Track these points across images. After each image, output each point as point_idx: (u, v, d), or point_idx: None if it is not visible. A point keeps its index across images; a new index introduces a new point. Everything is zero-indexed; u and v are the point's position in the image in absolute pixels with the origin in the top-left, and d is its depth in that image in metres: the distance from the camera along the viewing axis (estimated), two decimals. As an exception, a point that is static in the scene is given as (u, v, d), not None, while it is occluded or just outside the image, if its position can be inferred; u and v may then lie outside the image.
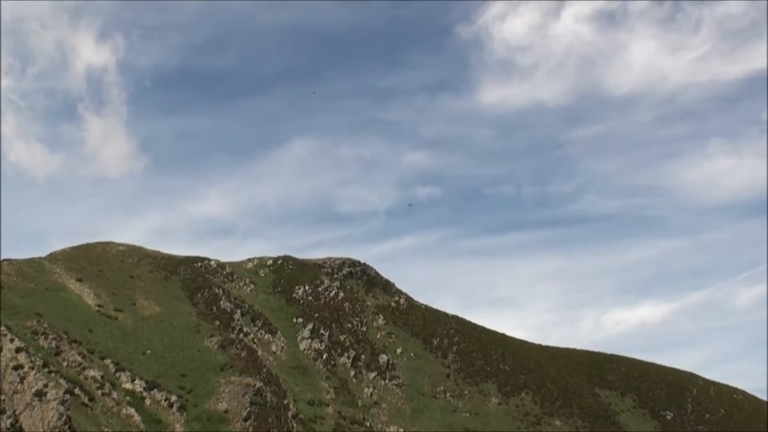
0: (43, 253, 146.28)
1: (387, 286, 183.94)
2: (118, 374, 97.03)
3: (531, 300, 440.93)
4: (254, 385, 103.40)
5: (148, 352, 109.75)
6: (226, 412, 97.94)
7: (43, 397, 73.10)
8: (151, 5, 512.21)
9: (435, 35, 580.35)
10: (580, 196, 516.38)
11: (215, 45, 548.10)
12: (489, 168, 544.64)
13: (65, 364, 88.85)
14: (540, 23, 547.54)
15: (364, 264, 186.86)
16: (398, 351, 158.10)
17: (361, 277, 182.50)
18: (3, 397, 74.01)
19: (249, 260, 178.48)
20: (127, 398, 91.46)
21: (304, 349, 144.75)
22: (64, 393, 75.11)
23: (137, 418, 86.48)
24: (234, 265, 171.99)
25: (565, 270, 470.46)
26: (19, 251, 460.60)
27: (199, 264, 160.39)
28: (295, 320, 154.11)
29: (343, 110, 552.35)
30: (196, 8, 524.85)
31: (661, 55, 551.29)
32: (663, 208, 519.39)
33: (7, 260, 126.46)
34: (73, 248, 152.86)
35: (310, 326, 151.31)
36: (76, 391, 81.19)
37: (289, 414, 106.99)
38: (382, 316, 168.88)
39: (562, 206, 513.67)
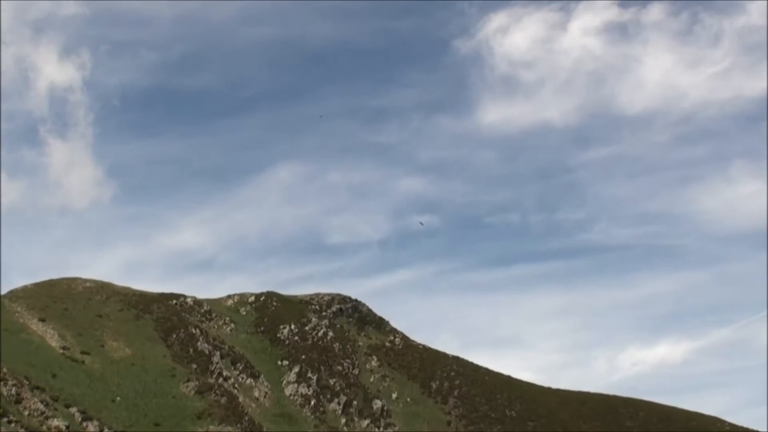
0: (3, 291, 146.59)
1: (381, 325, 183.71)
2: (84, 424, 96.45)
3: (538, 339, 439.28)
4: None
5: (118, 399, 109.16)
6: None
7: (3, 450, 72.83)
8: (121, 19, 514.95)
9: (431, 50, 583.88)
10: (591, 224, 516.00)
11: (192, 62, 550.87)
12: (491, 194, 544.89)
13: (27, 413, 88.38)
14: (545, 36, 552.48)
15: (356, 300, 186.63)
16: (394, 396, 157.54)
17: (353, 315, 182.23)
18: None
19: (229, 297, 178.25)
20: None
21: (290, 395, 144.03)
22: (26, 445, 74.70)
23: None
24: (212, 302, 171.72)
25: (576, 306, 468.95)
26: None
27: (174, 301, 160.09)
28: (279, 363, 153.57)
29: (331, 132, 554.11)
30: (170, 23, 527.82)
31: (677, 70, 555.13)
32: (681, 237, 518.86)
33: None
34: (36, 285, 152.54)
35: (296, 369, 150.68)
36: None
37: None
38: (375, 358, 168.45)
39: (571, 235, 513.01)
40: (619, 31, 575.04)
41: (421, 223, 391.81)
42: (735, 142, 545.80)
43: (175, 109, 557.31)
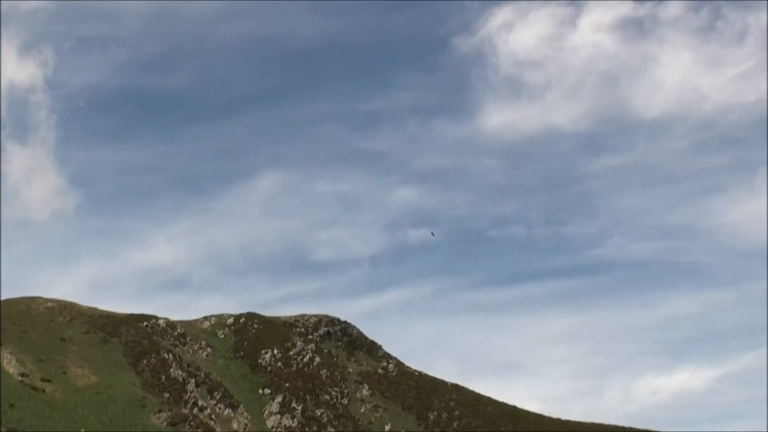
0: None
1: (372, 349, 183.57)
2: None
3: (546, 365, 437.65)
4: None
5: (83, 431, 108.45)
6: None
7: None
8: (88, 13, 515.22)
9: (428, 49, 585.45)
10: (604, 239, 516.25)
11: (166, 61, 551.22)
12: (494, 206, 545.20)
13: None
14: (553, 34, 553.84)
15: (345, 322, 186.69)
16: (387, 428, 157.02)
17: (342, 339, 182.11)
18: None
19: (205, 318, 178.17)
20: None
21: (273, 427, 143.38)
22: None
23: None
24: (187, 324, 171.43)
25: (587, 329, 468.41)
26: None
27: (145, 323, 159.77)
28: (261, 391, 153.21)
29: (319, 138, 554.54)
30: (143, 17, 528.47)
31: (697, 70, 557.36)
32: (703, 252, 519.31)
33: None
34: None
35: (279, 398, 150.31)
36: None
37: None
38: (366, 386, 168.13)
39: (581, 251, 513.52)
40: (634, 28, 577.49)
41: (433, 234, 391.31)
42: (761, 150, 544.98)
43: (147, 112, 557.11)
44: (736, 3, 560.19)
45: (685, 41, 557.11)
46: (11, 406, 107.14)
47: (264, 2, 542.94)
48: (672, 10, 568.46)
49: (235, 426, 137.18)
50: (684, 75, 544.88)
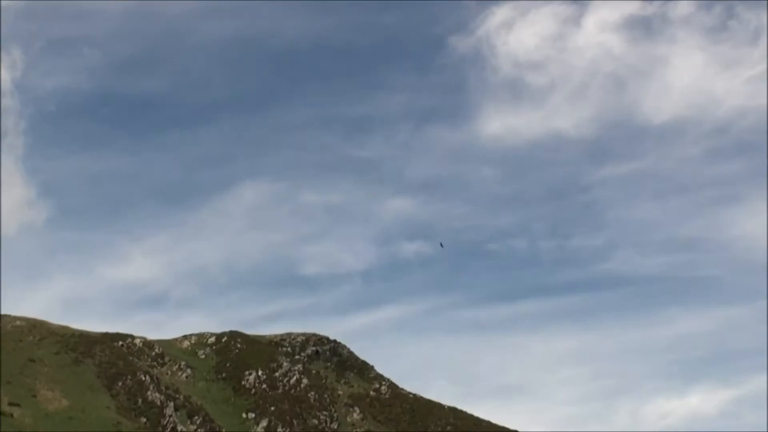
0: None
1: (364, 370, 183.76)
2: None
3: (550, 387, 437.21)
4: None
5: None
6: None
7: None
8: (60, 12, 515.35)
9: (423, 49, 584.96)
10: (611, 252, 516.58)
11: (142, 63, 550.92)
12: (494, 217, 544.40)
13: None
14: (556, 33, 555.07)
15: (335, 341, 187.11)
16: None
17: (331, 359, 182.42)
18: None
19: (185, 338, 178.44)
20: None
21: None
22: None
23: None
24: (166, 344, 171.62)
25: (594, 348, 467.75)
26: None
27: (120, 343, 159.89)
28: (245, 415, 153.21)
29: (306, 145, 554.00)
30: (118, 17, 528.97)
31: (710, 72, 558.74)
32: (717, 266, 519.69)
33: None
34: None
35: (264, 423, 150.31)
36: None
37: None
38: (358, 409, 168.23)
39: (587, 265, 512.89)
40: (642, 28, 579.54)
41: (442, 245, 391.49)
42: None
43: (122, 118, 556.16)
44: (750, 2, 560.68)
45: (697, 41, 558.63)
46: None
47: (247, 1, 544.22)
48: (682, 8, 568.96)
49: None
50: (695, 77, 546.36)
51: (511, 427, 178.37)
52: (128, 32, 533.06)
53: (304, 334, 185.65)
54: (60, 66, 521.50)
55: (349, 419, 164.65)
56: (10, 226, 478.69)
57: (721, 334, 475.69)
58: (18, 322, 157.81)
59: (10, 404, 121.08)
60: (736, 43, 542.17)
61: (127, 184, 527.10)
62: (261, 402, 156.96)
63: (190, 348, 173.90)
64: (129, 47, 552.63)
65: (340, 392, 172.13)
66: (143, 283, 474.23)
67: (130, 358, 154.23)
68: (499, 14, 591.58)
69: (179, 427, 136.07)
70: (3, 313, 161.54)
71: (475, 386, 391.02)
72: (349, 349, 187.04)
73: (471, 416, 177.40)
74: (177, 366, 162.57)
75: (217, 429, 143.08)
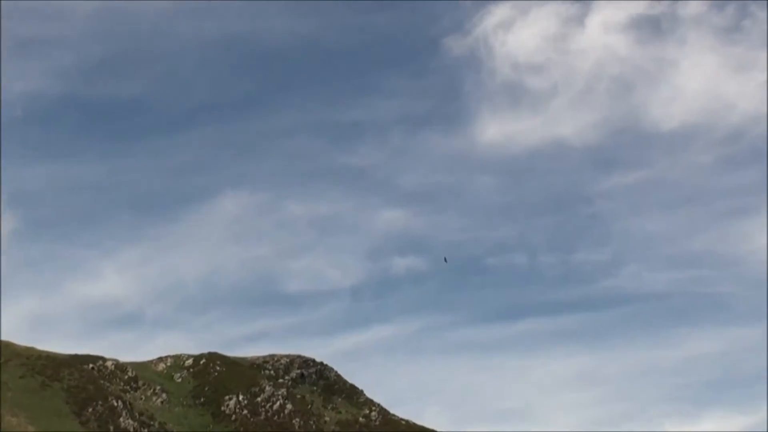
0: None
1: (353, 394, 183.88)
2: None
3: (552, 412, 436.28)
4: None
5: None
6: None
7: None
8: (27, 11, 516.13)
9: (416, 51, 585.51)
10: (617, 267, 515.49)
11: (116, 65, 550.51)
12: (491, 230, 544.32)
13: None
14: (558, 34, 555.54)
15: (321, 364, 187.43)
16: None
17: (317, 382, 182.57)
18: None
19: (160, 360, 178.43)
20: None
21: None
22: None
23: None
24: (139, 366, 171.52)
25: (599, 371, 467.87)
26: None
27: (91, 366, 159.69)
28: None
29: (291, 153, 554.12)
30: (91, 16, 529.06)
31: (722, 75, 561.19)
32: (730, 283, 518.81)
33: None
34: None
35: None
36: None
37: None
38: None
39: (592, 282, 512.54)
40: (649, 28, 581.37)
41: (446, 260, 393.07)
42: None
43: (94, 123, 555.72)
44: (765, 1, 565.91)
45: (708, 43, 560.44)
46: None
47: (228, 0, 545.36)
48: (693, 7, 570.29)
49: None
50: (707, 80, 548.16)
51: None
52: (101, 32, 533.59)
53: (288, 356, 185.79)
54: (27, 68, 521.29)
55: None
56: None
57: (736, 355, 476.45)
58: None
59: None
60: (751, 44, 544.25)
61: (99, 194, 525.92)
62: (242, 429, 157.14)
63: (165, 371, 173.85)
64: (102, 48, 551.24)
65: (326, 418, 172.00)
66: (116, 300, 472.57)
67: (101, 381, 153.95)
68: (497, 14, 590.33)
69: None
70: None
71: (471, 411, 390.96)
72: (336, 372, 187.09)
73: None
74: (152, 390, 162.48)
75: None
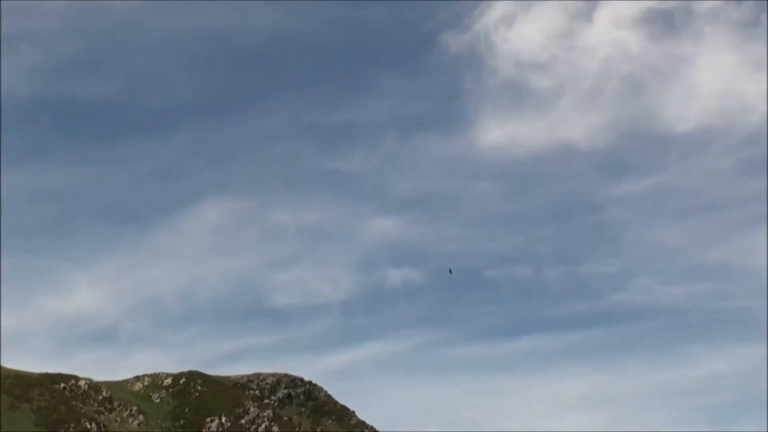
0: None
1: (344, 416, 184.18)
2: None
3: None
4: None
5: None
6: None
7: None
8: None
9: (412, 48, 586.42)
10: (628, 280, 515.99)
11: (89, 64, 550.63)
12: (493, 240, 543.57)
13: None
14: (564, 30, 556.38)
15: (310, 383, 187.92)
16: None
17: (306, 403, 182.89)
18: None
19: (137, 379, 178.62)
20: None
21: None
22: None
23: None
24: (115, 386, 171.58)
25: (608, 391, 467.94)
26: None
27: (63, 385, 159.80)
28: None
29: (277, 157, 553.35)
30: (61, 12, 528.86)
31: (740, 74, 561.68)
32: (749, 297, 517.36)
33: None
34: None
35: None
36: None
37: None
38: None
39: (601, 296, 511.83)
40: (663, 23, 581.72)
41: (451, 271, 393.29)
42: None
43: (65, 126, 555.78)
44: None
45: (726, 39, 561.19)
46: None
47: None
48: (709, 1, 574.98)
49: None
50: (724, 80, 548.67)
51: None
52: (72, 29, 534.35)
53: (274, 375, 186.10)
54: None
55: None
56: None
57: (756, 374, 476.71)
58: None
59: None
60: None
61: (71, 202, 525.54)
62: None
63: (142, 391, 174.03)
64: (74, 46, 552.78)
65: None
66: (89, 315, 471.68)
67: (74, 402, 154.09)
68: (498, 8, 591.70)
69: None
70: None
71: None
72: (326, 391, 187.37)
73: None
74: (128, 411, 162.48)
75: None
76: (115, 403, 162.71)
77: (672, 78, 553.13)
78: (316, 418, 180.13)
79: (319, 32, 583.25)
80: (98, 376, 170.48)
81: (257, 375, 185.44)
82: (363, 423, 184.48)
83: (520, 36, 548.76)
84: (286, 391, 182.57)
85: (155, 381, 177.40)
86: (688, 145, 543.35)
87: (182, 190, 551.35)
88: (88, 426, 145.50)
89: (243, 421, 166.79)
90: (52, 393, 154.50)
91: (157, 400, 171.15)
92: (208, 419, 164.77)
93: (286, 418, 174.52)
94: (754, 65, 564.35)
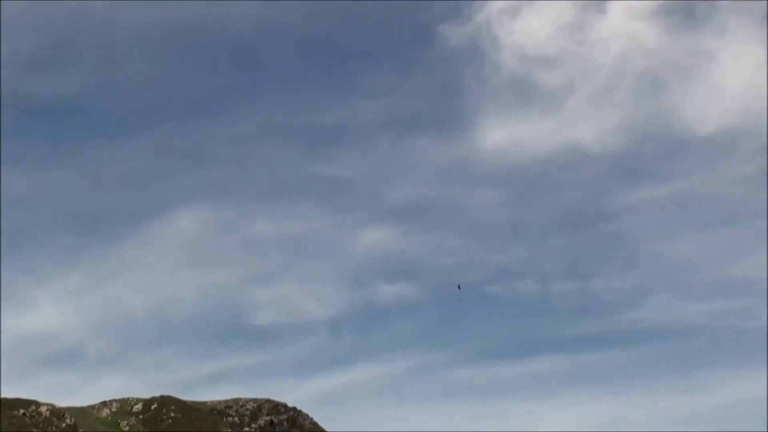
0: None
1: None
2: None
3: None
4: None
5: None
6: None
7: None
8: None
9: (407, 41, 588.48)
10: (644, 297, 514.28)
11: (52, 58, 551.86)
12: (495, 252, 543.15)
13: None
14: (574, 22, 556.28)
15: (294, 409, 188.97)
16: None
17: (290, 431, 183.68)
18: None
19: (104, 404, 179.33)
20: None
21: None
22: None
23: None
24: (79, 412, 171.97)
25: (622, 419, 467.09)
26: None
27: (23, 411, 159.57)
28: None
29: (258, 161, 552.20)
30: (22, 2, 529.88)
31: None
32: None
33: None
34: None
35: None
36: None
37: None
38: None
39: (613, 314, 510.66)
40: (682, 14, 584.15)
41: (459, 287, 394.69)
42: None
43: (26, 126, 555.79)
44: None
45: (752, 31, 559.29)
46: None
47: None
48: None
49: None
50: (750, 77, 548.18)
51: None
52: (33, 20, 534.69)
53: (255, 400, 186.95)
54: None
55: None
56: None
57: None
58: None
59: None
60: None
61: (31, 211, 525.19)
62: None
63: (110, 417, 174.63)
64: (34, 40, 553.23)
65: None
66: (52, 334, 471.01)
67: (35, 430, 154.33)
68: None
69: None
70: None
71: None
72: (312, 419, 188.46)
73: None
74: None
75: None
76: (80, 431, 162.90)
77: (693, 75, 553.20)
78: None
79: (305, 25, 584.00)
80: (61, 402, 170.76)
81: (236, 400, 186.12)
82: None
83: (525, 28, 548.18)
84: (268, 417, 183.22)
85: (124, 407, 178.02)
86: (710, 148, 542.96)
87: (154, 197, 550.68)
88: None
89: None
90: (10, 420, 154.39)
91: (126, 428, 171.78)
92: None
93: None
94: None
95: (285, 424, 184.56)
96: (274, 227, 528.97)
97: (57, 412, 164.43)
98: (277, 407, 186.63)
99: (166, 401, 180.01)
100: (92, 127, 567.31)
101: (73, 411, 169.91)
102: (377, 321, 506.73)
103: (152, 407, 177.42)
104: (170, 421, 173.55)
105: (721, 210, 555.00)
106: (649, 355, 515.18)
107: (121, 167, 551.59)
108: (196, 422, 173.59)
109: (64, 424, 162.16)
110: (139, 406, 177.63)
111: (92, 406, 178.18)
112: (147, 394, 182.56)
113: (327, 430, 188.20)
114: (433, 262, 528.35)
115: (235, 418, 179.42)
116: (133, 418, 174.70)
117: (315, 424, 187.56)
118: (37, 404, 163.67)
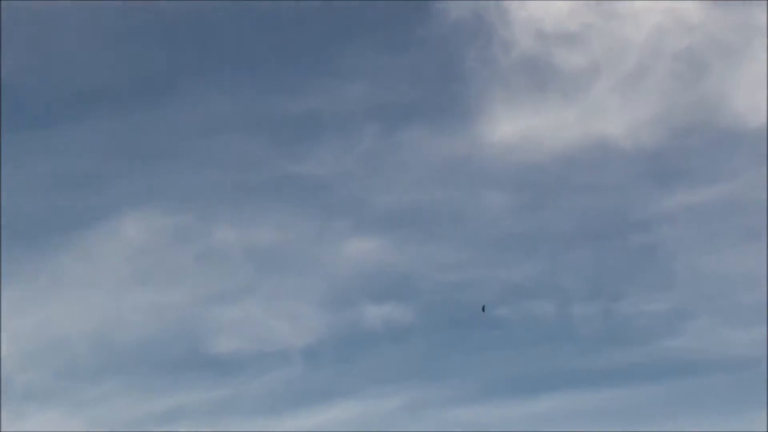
0: None
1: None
2: None
3: None
4: None
5: None
6: None
7: None
8: None
9: (398, 15, 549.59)
10: (683, 322, 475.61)
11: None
12: (504, 267, 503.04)
13: None
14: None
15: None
16: None
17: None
18: None
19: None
20: None
21: None
22: None
23: None
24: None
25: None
26: None
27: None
28: None
29: (219, 158, 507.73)
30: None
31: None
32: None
33: None
34: None
35: None
36: None
37: None
38: None
39: (647, 342, 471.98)
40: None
41: (484, 309, 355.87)
42: None
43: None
44: None
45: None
46: None
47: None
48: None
49: None
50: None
51: None
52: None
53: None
54: None
55: None
56: None
57: None
58: None
59: None
60: None
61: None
62: None
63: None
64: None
65: None
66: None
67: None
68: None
69: None
70: None
71: None
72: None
73: None
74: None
75: None
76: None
77: (742, 56, 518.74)
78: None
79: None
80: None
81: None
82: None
83: (541, 2, 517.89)
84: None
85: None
86: (763, 143, 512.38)
87: (96, 200, 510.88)
88: None
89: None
90: None
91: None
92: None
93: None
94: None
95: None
96: (239, 236, 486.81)
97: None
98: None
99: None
100: (22, 117, 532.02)
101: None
102: (362, 349, 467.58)
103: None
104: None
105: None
106: (687, 389, 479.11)
107: (57, 164, 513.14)
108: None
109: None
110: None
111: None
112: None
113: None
114: (429, 279, 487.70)
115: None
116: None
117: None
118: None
